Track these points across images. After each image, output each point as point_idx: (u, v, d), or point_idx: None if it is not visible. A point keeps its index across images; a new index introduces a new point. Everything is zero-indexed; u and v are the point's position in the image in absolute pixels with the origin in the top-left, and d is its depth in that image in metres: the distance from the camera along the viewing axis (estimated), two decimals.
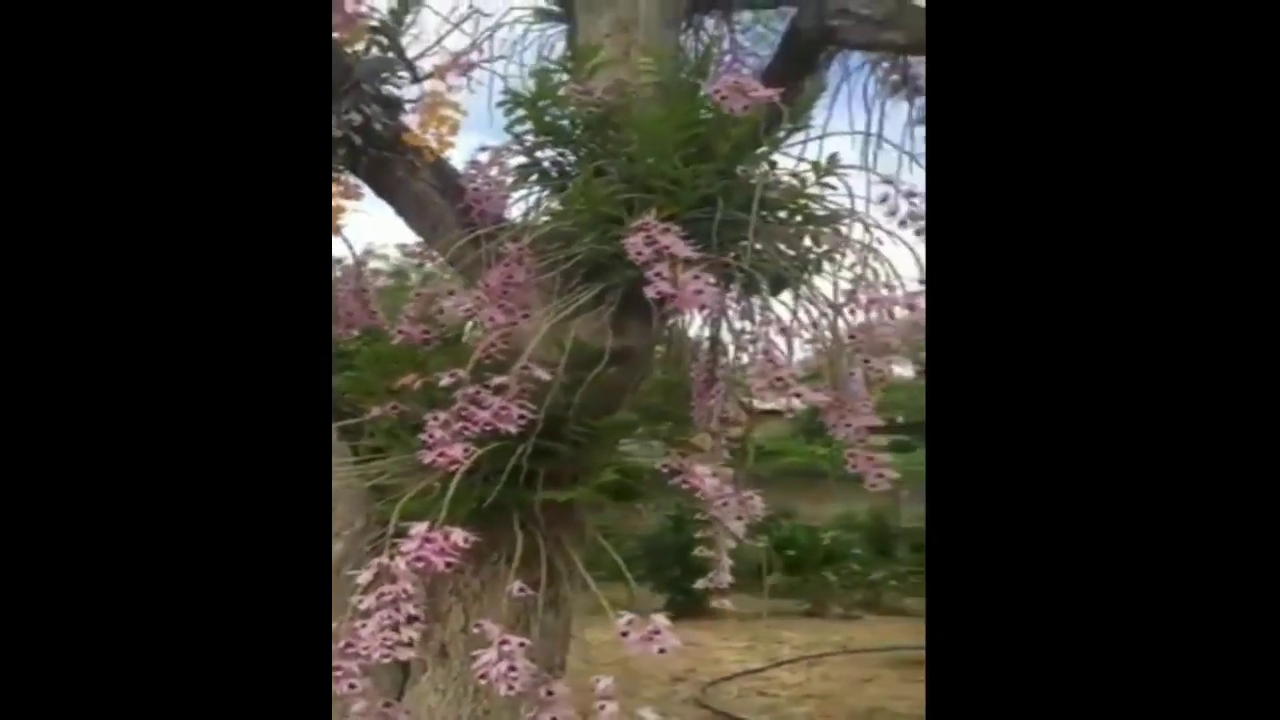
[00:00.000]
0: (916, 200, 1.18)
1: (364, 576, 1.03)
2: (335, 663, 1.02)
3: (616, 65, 1.64)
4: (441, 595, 1.41)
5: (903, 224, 1.19)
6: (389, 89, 1.35)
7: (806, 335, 1.26)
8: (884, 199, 1.22)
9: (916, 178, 1.27)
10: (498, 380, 1.11)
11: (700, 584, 1.55)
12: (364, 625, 1.02)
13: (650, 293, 1.04)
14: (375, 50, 1.34)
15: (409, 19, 1.36)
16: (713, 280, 1.04)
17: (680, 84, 1.44)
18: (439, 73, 1.77)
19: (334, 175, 1.36)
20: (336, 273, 1.51)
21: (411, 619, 1.02)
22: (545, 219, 1.35)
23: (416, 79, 1.64)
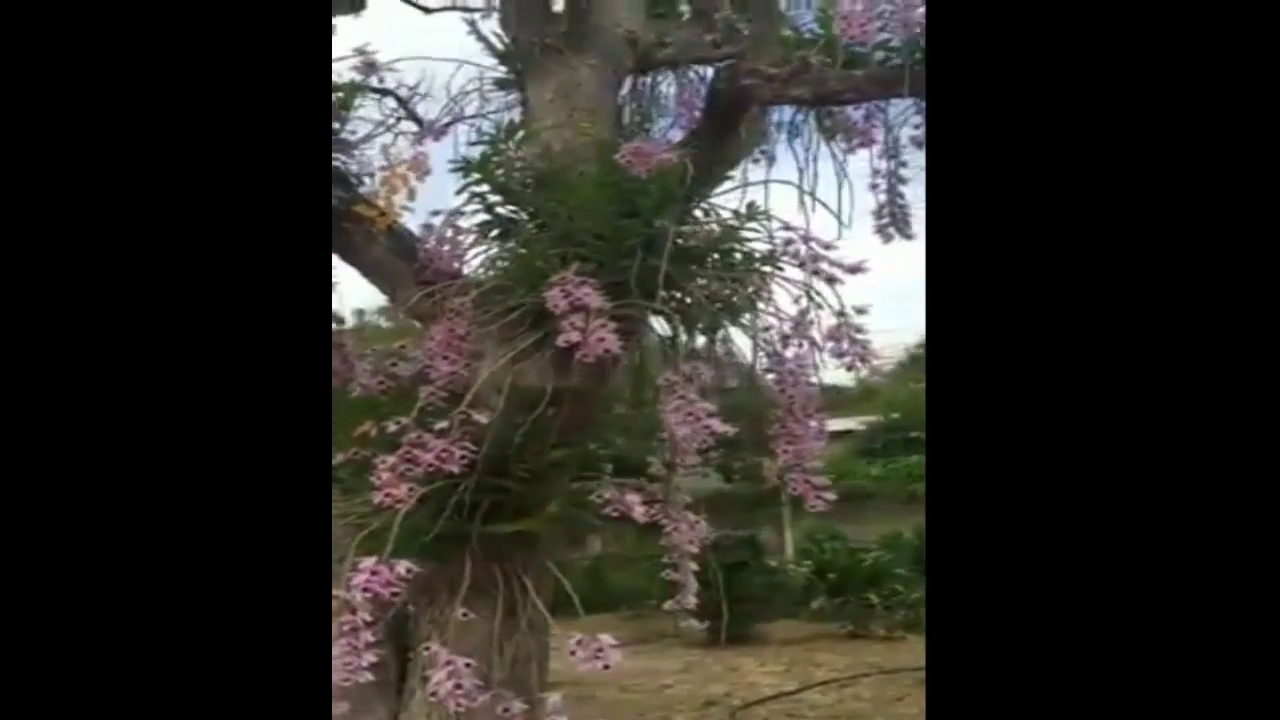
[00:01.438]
0: (814, 245, 1.30)
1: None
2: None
3: (560, 129, 1.79)
4: (423, 623, 1.53)
5: (804, 266, 1.31)
6: (342, 165, 1.50)
7: (730, 372, 1.38)
8: (788, 244, 1.34)
9: (825, 224, 1.34)
10: (440, 424, 1.24)
11: (668, 606, 1.65)
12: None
13: (560, 341, 1.17)
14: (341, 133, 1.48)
15: (357, 103, 1.51)
16: (614, 329, 1.16)
17: (609, 145, 1.58)
18: (415, 139, 1.93)
19: None
20: None
21: (369, 645, 1.14)
22: (490, 274, 1.49)
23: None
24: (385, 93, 1.90)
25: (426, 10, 2.11)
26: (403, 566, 1.13)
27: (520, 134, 1.53)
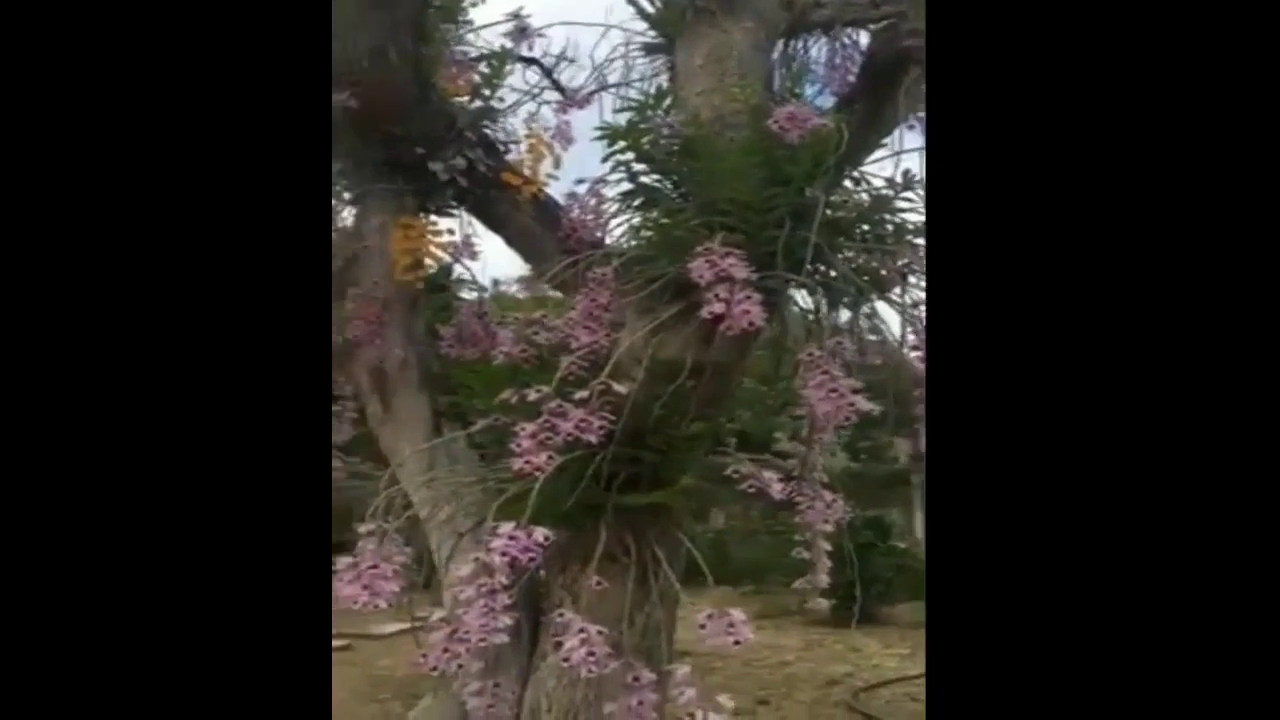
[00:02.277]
0: None
1: (464, 570, 1.17)
2: (445, 645, 1.17)
3: (709, 94, 1.74)
4: (555, 589, 1.54)
5: None
6: (490, 133, 1.50)
7: (872, 349, 1.31)
8: None
9: None
10: (580, 394, 1.23)
11: (798, 584, 1.61)
12: (467, 612, 1.16)
13: (705, 312, 1.13)
14: (478, 101, 1.49)
15: (508, 69, 1.51)
16: (759, 300, 1.11)
17: (759, 110, 1.52)
18: (560, 108, 1.93)
19: (453, 213, 1.52)
20: (468, 297, 1.68)
21: (506, 608, 1.14)
22: (633, 244, 1.46)
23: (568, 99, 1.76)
24: (530, 61, 1.90)
25: None
26: (540, 533, 1.13)
27: (669, 100, 1.49)
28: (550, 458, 1.18)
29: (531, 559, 1.13)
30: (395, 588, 1.26)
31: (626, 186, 1.58)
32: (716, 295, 1.14)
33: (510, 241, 1.56)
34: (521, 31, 1.57)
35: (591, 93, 2.03)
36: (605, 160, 1.59)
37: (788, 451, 1.43)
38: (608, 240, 1.57)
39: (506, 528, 1.14)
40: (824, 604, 6.42)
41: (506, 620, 1.15)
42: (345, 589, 1.25)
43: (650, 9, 1.87)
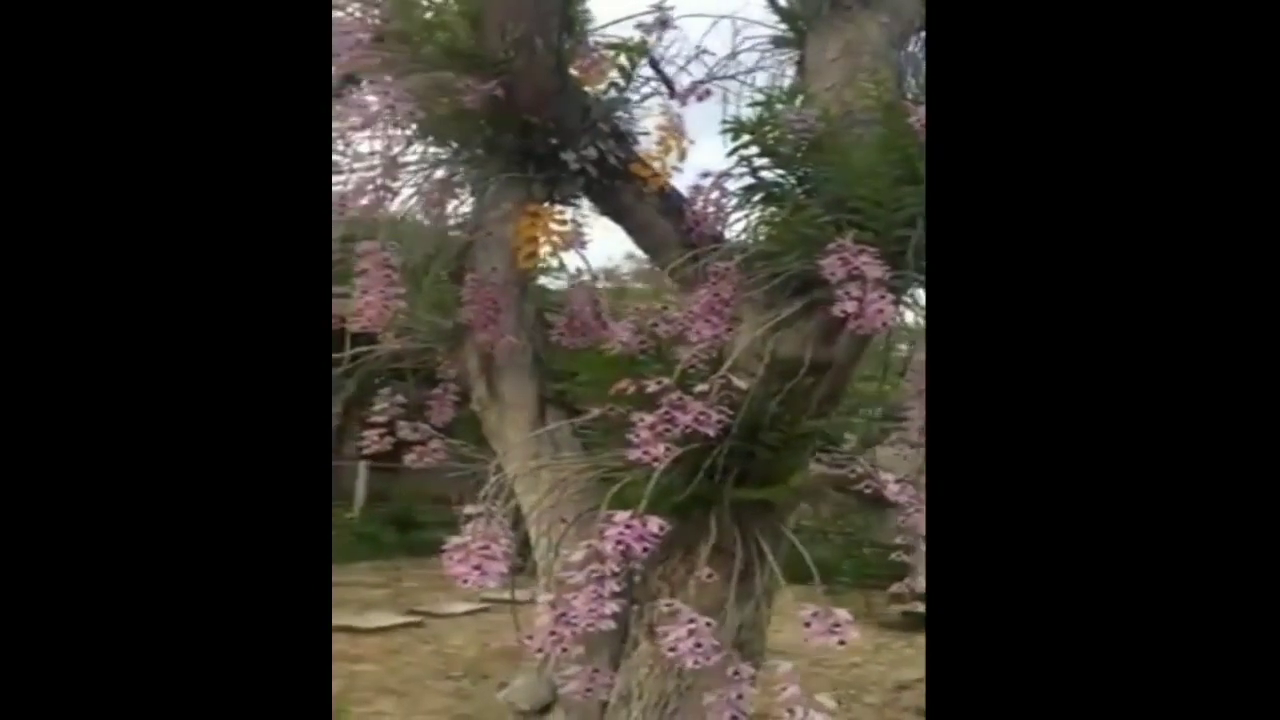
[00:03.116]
0: None
1: (576, 555, 1.15)
2: (551, 629, 1.16)
3: (839, 89, 1.69)
4: (652, 579, 1.52)
5: None
6: (621, 124, 1.48)
7: None
8: None
9: None
10: (700, 387, 1.20)
11: (894, 589, 1.55)
12: (576, 597, 1.14)
13: (837, 310, 1.09)
14: (613, 90, 1.47)
15: (642, 61, 1.48)
16: (893, 300, 1.07)
17: (896, 107, 1.47)
18: (680, 98, 1.90)
19: (573, 202, 1.51)
20: (577, 282, 1.67)
21: (615, 595, 1.13)
22: (756, 239, 1.43)
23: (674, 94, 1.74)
24: (648, 61, 1.87)
25: None
26: (656, 523, 1.10)
27: (801, 96, 1.45)
28: (667, 449, 1.15)
29: (646, 548, 1.11)
30: (503, 568, 1.26)
31: (749, 181, 1.55)
32: (848, 293, 1.10)
33: (631, 233, 1.54)
34: (663, 24, 1.55)
35: (703, 85, 1.99)
36: (731, 154, 1.56)
37: (854, 452, 1.37)
38: (728, 235, 1.53)
39: (622, 516, 1.12)
40: (913, 610, 6.26)
41: (614, 607, 1.13)
42: (455, 568, 1.25)
43: (783, 2, 1.83)
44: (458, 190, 1.71)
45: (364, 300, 1.42)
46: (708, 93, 1.99)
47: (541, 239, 1.37)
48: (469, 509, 1.38)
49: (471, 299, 1.61)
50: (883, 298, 1.08)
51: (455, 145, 1.37)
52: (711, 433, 1.18)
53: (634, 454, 1.17)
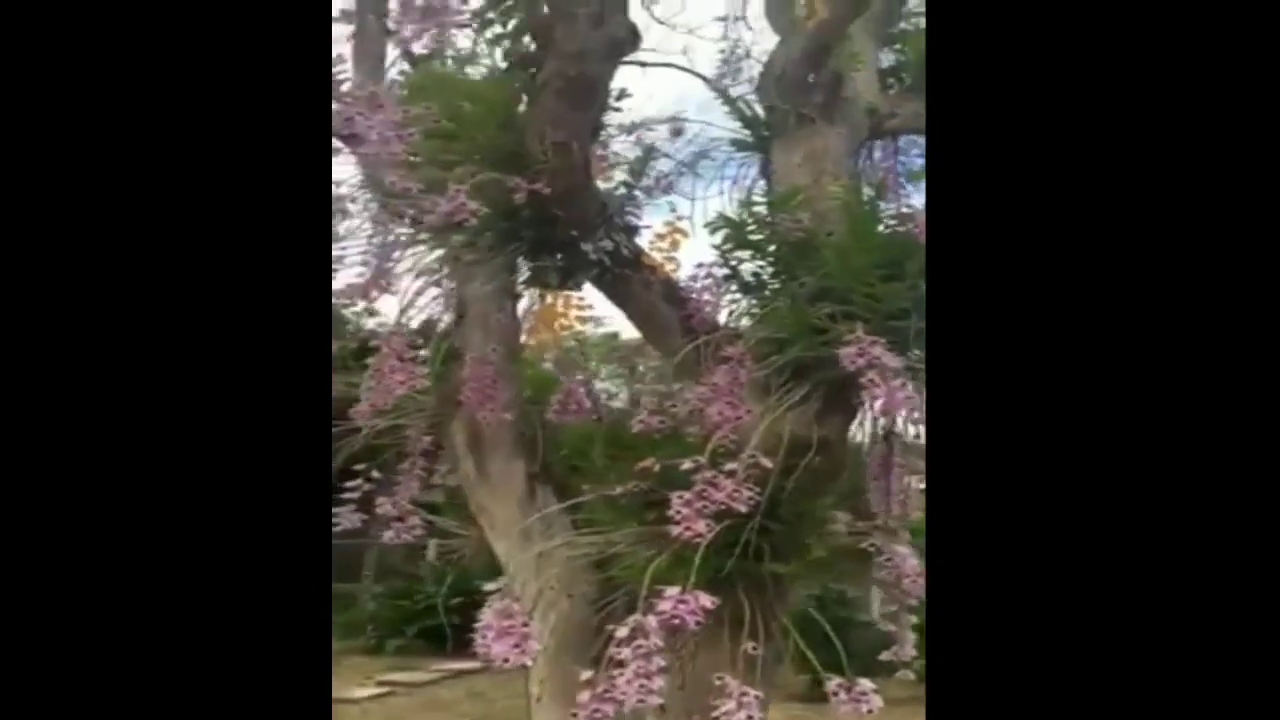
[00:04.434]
0: None
1: (621, 631, 1.16)
2: (594, 706, 1.15)
3: (809, 190, 1.80)
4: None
5: None
6: (630, 219, 1.54)
7: None
8: None
9: None
10: (729, 466, 1.24)
11: (885, 656, 1.61)
12: (620, 674, 1.14)
13: (866, 397, 1.16)
14: (622, 188, 1.53)
15: (652, 162, 1.56)
16: (912, 387, 1.15)
17: (862, 209, 1.59)
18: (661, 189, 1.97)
19: (574, 294, 1.55)
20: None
21: (661, 669, 1.14)
22: (753, 326, 1.50)
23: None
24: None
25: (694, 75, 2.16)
26: (706, 599, 1.13)
27: (797, 198, 1.55)
28: (708, 525, 1.19)
29: (699, 622, 1.13)
30: (537, 643, 1.25)
31: (728, 273, 1.64)
32: (873, 381, 1.18)
33: (634, 318, 1.59)
34: (677, 132, 1.62)
35: (666, 178, 2.09)
36: (723, 249, 1.64)
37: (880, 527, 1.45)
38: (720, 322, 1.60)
39: (672, 591, 1.14)
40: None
41: (660, 683, 1.14)
42: (495, 648, 1.23)
43: (747, 112, 1.95)
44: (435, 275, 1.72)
45: (386, 381, 1.41)
46: (671, 188, 2.09)
47: (561, 323, 1.40)
48: (490, 586, 1.36)
49: (472, 377, 1.61)
50: (904, 385, 1.16)
51: (485, 238, 1.39)
52: (744, 509, 1.22)
53: (675, 530, 1.19)
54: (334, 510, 1.94)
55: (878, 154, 2.25)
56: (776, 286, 1.65)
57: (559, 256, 1.43)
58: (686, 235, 1.59)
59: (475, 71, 1.75)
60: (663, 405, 1.40)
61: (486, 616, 1.31)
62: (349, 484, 1.93)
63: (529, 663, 1.23)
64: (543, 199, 1.31)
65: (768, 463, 1.26)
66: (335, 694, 5.76)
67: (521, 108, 1.43)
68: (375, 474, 1.95)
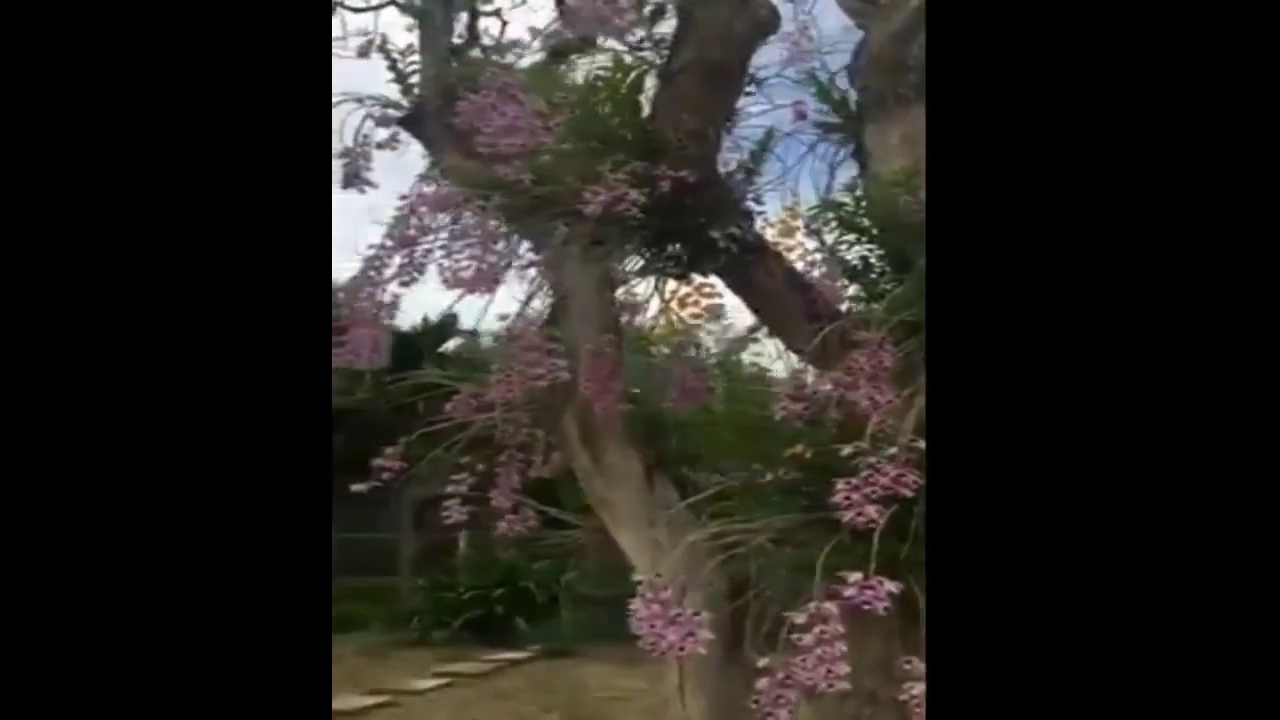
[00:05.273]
0: None
1: (800, 617, 1.15)
2: (776, 693, 1.14)
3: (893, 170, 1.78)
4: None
5: None
6: (751, 205, 1.52)
7: None
8: None
9: None
10: (890, 450, 1.22)
11: None
12: (803, 660, 1.13)
13: None
14: (741, 174, 1.51)
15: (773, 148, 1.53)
16: None
17: None
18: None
19: (702, 277, 1.52)
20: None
21: (844, 654, 1.12)
22: (888, 308, 1.47)
23: None
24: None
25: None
26: (891, 584, 1.12)
27: (913, 176, 1.52)
28: (879, 510, 1.17)
29: (887, 608, 1.11)
30: (708, 632, 1.24)
31: (846, 257, 1.62)
32: None
33: (757, 307, 1.57)
34: (801, 116, 1.60)
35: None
36: (838, 234, 1.62)
37: None
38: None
39: (856, 578, 1.13)
40: None
41: (846, 668, 1.13)
42: (670, 637, 1.22)
43: (835, 95, 1.92)
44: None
45: (526, 374, 1.39)
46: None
47: (692, 310, 1.38)
48: (640, 576, 1.35)
49: (590, 368, 1.59)
50: None
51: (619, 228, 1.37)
52: (910, 493, 1.20)
53: (846, 516, 1.18)
54: (444, 504, 1.94)
55: None
56: (883, 270, 1.64)
57: (685, 244, 1.41)
58: (800, 220, 1.56)
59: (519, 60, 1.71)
60: (804, 392, 1.38)
61: (642, 607, 1.30)
62: (455, 477, 1.92)
63: (703, 650, 1.22)
64: (682, 188, 1.29)
65: (921, 445, 1.24)
66: (394, 685, 5.78)
67: (645, 94, 1.40)
68: (480, 467, 1.94)
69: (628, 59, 1.35)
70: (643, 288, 1.55)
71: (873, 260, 1.69)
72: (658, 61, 1.36)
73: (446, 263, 1.63)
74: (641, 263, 1.58)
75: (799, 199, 1.60)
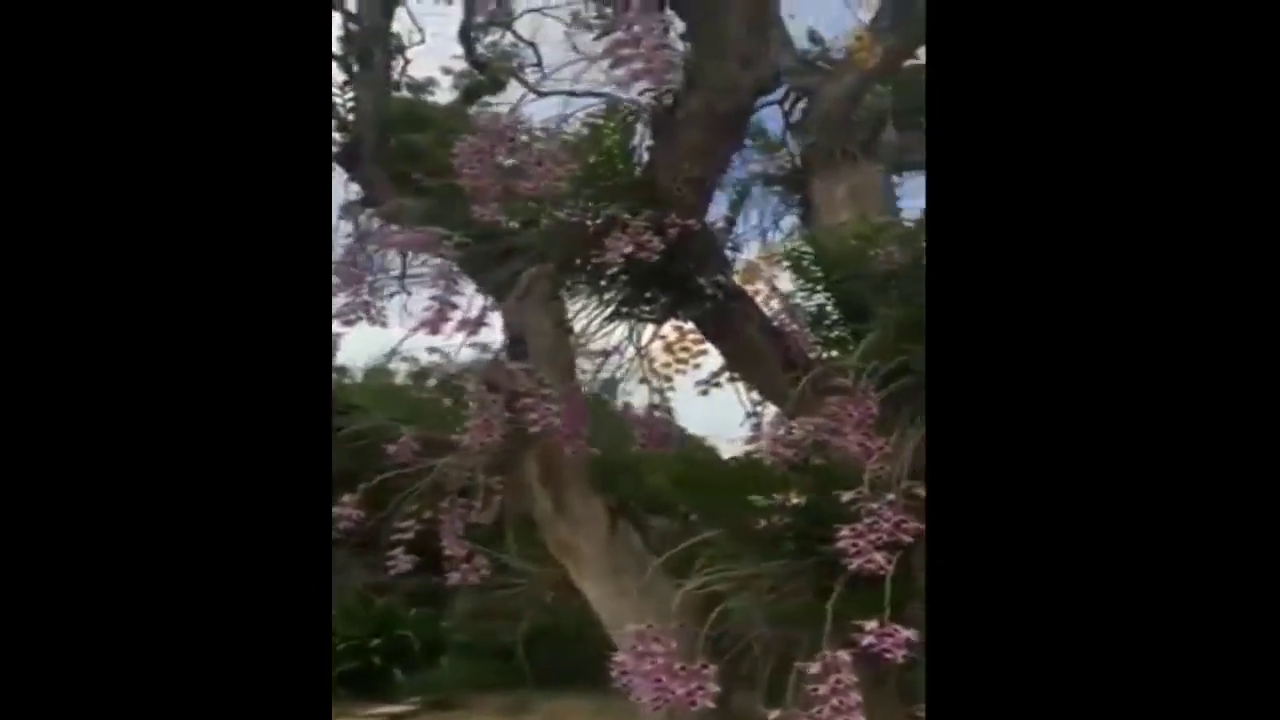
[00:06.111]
0: None
1: (814, 667, 1.12)
2: None
3: (856, 223, 1.83)
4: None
5: None
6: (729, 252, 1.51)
7: None
8: None
9: None
10: (889, 496, 1.23)
11: None
12: (818, 711, 1.11)
13: None
14: (723, 222, 1.50)
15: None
16: None
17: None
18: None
19: (679, 327, 1.50)
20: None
21: (859, 705, 1.10)
22: (862, 355, 1.49)
23: None
24: None
25: None
26: (909, 631, 1.11)
27: (883, 231, 1.56)
28: (887, 557, 1.17)
29: (905, 655, 1.10)
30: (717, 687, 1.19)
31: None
32: None
33: (731, 352, 1.56)
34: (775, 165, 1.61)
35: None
36: (804, 283, 1.64)
37: None
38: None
39: (872, 625, 1.11)
40: None
41: (861, 717, 1.11)
42: (678, 690, 1.17)
43: (785, 149, 1.96)
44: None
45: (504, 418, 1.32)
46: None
47: (678, 357, 1.35)
48: (632, 626, 1.29)
49: (566, 410, 1.53)
50: None
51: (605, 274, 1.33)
52: (910, 539, 1.21)
53: (854, 563, 1.17)
54: (390, 554, 1.81)
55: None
56: (837, 319, 1.67)
57: (669, 291, 1.38)
58: (768, 269, 1.57)
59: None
60: (792, 439, 1.37)
61: (632, 660, 1.24)
62: (401, 525, 1.80)
63: (711, 705, 1.17)
64: (677, 238, 1.26)
65: (921, 491, 1.25)
66: None
67: (635, 142, 1.38)
68: (427, 514, 1.83)
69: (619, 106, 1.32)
70: (619, 332, 1.51)
71: (829, 308, 1.72)
72: (645, 108, 1.34)
73: (391, 303, 1.55)
74: (610, 309, 1.54)
75: (769, 247, 1.61)
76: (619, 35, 0.96)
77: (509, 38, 4.10)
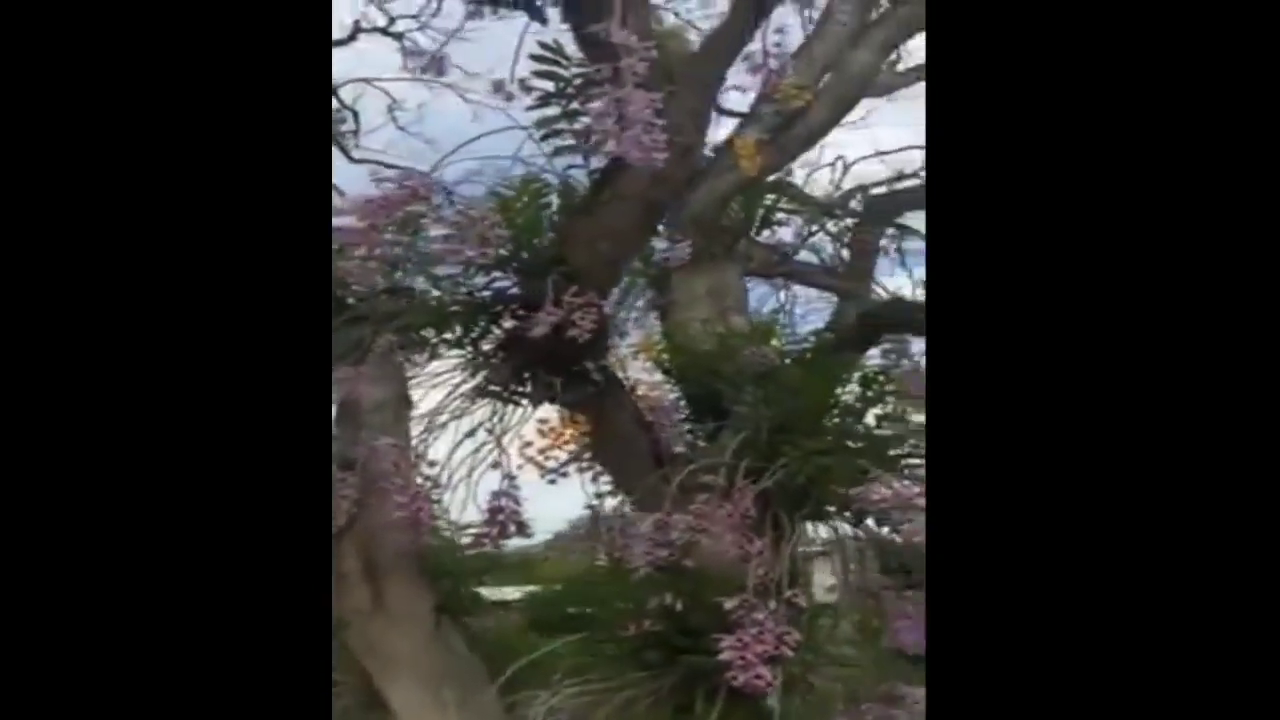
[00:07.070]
0: None
1: None
2: None
3: (708, 323, 1.81)
4: None
5: None
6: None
7: None
8: None
9: None
10: (772, 605, 1.14)
11: None
12: None
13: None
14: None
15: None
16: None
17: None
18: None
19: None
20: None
21: None
22: (735, 453, 1.42)
23: None
24: None
25: None
26: None
27: (774, 337, 1.53)
28: (773, 671, 1.07)
29: None
30: None
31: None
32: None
33: (600, 441, 1.44)
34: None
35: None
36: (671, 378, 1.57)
37: None
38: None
39: None
40: None
41: None
42: None
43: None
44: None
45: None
46: None
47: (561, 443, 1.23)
48: None
49: (417, 496, 1.33)
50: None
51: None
52: (792, 653, 1.12)
53: (741, 678, 1.06)
54: None
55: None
56: (688, 414, 1.61)
57: (556, 374, 1.26)
58: (644, 355, 1.49)
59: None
60: (660, 539, 1.26)
61: None
62: None
63: None
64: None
65: (801, 601, 1.18)
66: None
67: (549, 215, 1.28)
68: None
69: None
70: (482, 414, 1.34)
71: (681, 404, 1.66)
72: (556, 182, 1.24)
73: None
74: (473, 385, 1.38)
75: (650, 335, 1.53)
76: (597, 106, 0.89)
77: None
